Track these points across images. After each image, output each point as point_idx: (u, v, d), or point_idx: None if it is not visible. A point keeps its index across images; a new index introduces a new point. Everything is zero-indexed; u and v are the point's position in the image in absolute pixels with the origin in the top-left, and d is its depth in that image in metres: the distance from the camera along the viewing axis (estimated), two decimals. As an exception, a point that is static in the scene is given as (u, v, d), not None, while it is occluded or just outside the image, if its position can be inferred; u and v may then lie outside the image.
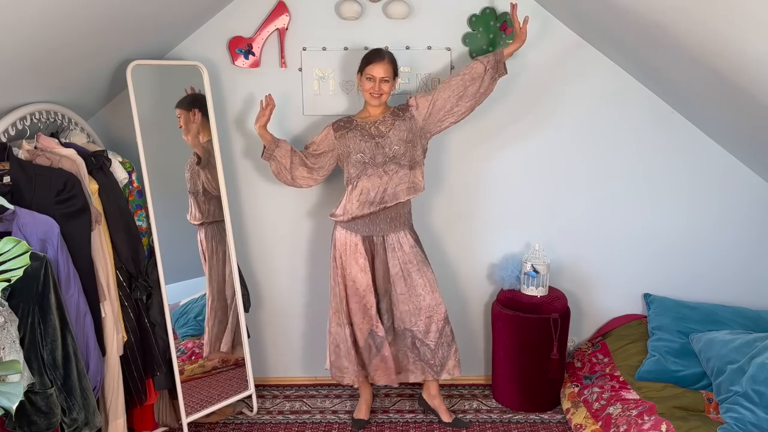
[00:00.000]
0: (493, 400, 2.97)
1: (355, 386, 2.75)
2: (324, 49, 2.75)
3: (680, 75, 2.42)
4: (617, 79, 2.77)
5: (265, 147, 2.56)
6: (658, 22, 2.06)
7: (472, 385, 3.12)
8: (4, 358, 1.61)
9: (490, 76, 2.45)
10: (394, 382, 2.68)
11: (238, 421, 2.83)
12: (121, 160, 2.45)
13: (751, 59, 1.83)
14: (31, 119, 2.16)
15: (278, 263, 3.02)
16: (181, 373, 2.61)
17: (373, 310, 2.60)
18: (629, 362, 2.73)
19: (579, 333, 3.08)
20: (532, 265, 2.77)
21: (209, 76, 2.63)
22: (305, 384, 3.14)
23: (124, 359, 2.35)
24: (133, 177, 2.47)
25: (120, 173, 2.41)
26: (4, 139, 2.03)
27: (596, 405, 2.58)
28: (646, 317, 2.95)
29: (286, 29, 2.72)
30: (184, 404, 2.60)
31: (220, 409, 2.77)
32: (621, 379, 2.65)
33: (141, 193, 2.49)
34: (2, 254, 1.50)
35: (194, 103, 2.63)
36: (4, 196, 1.72)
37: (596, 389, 2.66)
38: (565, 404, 2.77)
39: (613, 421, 2.41)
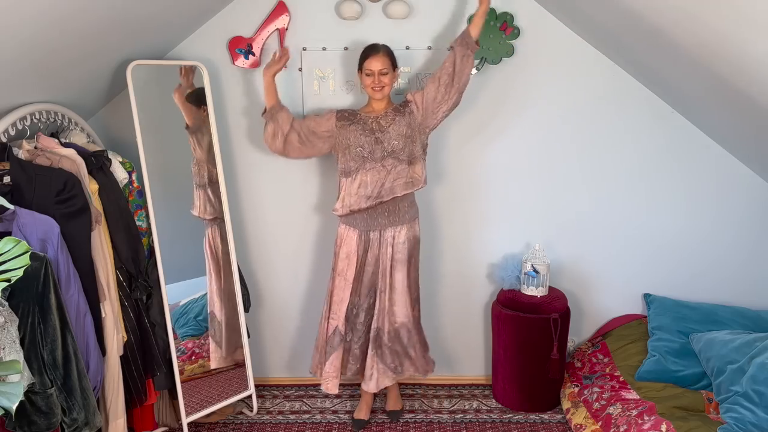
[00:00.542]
0: (493, 400, 2.97)
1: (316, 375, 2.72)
2: (324, 49, 2.75)
3: (680, 75, 2.42)
4: (617, 79, 2.77)
5: (267, 108, 2.54)
6: (657, 22, 2.06)
7: (472, 385, 3.12)
8: (4, 358, 1.61)
9: (461, 53, 2.43)
10: (335, 390, 2.66)
11: (238, 421, 2.83)
12: (121, 160, 2.45)
13: (752, 59, 1.83)
14: (31, 119, 2.16)
15: (278, 263, 3.02)
16: (181, 373, 2.61)
17: (344, 306, 2.60)
18: (629, 362, 2.73)
19: (579, 333, 3.08)
20: (532, 265, 2.77)
21: (209, 76, 2.63)
22: (305, 384, 3.14)
23: (124, 359, 2.35)
24: (133, 177, 2.47)
25: (120, 173, 2.41)
26: (4, 139, 2.03)
27: (596, 405, 2.58)
28: (646, 317, 2.95)
29: (286, 29, 2.72)
30: (184, 404, 2.60)
31: (220, 409, 2.77)
32: (621, 379, 2.65)
33: (141, 193, 2.49)
34: (2, 254, 1.50)
35: (201, 99, 2.64)
36: (4, 196, 1.72)
37: (596, 389, 2.66)
38: (565, 404, 2.77)
39: (613, 421, 2.41)
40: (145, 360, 2.47)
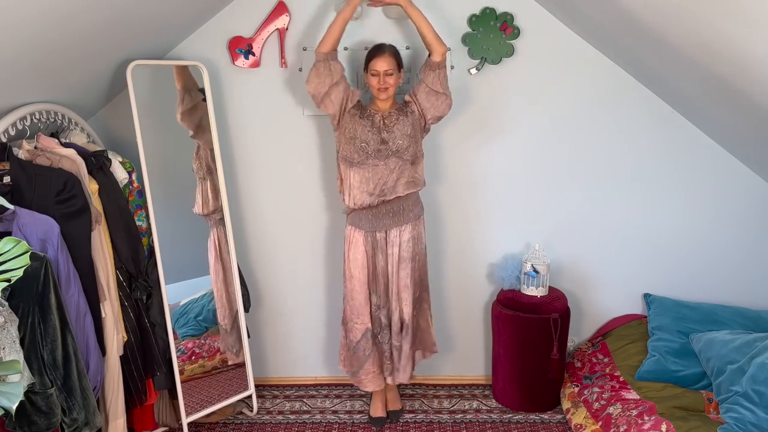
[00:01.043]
0: (493, 400, 2.97)
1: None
2: (324, 49, 2.75)
3: (680, 75, 2.42)
4: (617, 79, 2.77)
5: (326, 48, 2.42)
6: (657, 22, 2.06)
7: (472, 385, 3.12)
8: (4, 358, 1.61)
9: (430, 78, 2.47)
10: (380, 386, 2.72)
11: (238, 421, 2.83)
12: (121, 160, 2.45)
13: (754, 59, 1.83)
14: (31, 119, 2.16)
15: (278, 263, 3.02)
16: (181, 373, 2.61)
17: (366, 308, 2.62)
18: (629, 362, 2.73)
19: (579, 333, 3.08)
20: (532, 265, 2.77)
21: (209, 76, 2.63)
22: (305, 384, 3.14)
23: (124, 359, 2.35)
24: (133, 177, 2.47)
25: (120, 173, 2.41)
26: (4, 139, 2.03)
27: (596, 405, 2.58)
28: (646, 317, 2.95)
29: (286, 29, 2.72)
30: (184, 404, 2.60)
31: (220, 409, 2.77)
32: (621, 379, 2.65)
33: (141, 193, 2.49)
34: (2, 254, 1.50)
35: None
36: (4, 196, 1.71)
37: (596, 389, 2.66)
38: (565, 404, 2.77)
39: (613, 421, 2.41)
40: (145, 360, 2.47)
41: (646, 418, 2.31)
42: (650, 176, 2.88)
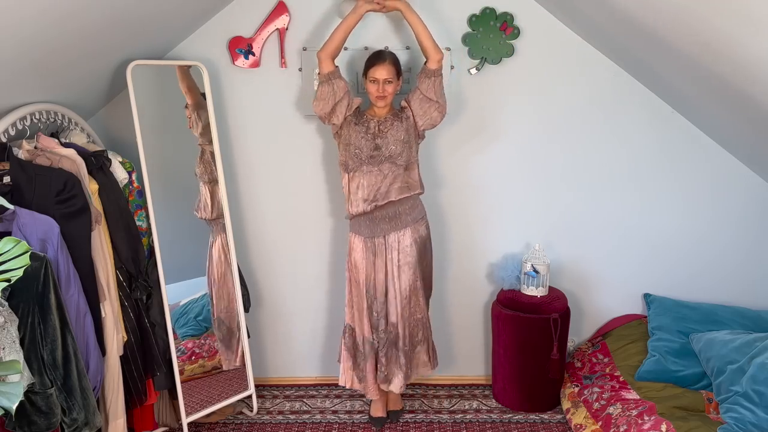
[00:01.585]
0: (493, 400, 2.97)
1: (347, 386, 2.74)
2: (324, 49, 2.75)
3: (680, 75, 2.42)
4: (617, 79, 2.77)
5: (326, 69, 2.46)
6: (657, 21, 2.06)
7: (472, 385, 3.12)
8: (4, 358, 1.61)
9: (425, 85, 2.48)
10: (375, 395, 2.71)
11: (238, 421, 2.83)
12: (121, 160, 2.45)
13: (756, 59, 1.83)
14: (31, 119, 2.16)
15: (278, 263, 3.01)
16: (181, 373, 2.61)
17: (366, 315, 2.62)
18: (629, 362, 2.73)
19: (579, 333, 3.08)
20: (532, 265, 2.77)
21: (209, 76, 2.63)
22: (305, 384, 3.14)
23: (124, 359, 2.35)
24: (133, 177, 2.47)
25: (120, 173, 2.41)
26: (4, 139, 2.03)
27: (596, 405, 2.58)
28: (646, 317, 2.95)
29: (286, 29, 2.72)
30: (184, 404, 2.60)
31: (220, 409, 2.77)
32: (621, 379, 2.65)
33: (141, 193, 2.49)
34: (2, 254, 1.50)
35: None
36: (4, 196, 1.71)
37: (596, 389, 2.66)
38: (565, 404, 2.77)
39: (613, 421, 2.41)
40: (145, 360, 2.47)
41: (646, 418, 2.31)
42: (650, 176, 2.88)
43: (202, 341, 2.80)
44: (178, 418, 2.64)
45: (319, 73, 2.49)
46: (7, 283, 1.51)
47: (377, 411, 2.79)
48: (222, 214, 2.72)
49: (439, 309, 3.03)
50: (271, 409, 2.94)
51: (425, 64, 2.48)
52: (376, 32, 2.72)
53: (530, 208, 2.93)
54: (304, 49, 2.74)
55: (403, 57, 2.69)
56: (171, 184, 2.68)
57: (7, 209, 1.82)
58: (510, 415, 2.84)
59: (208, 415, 2.74)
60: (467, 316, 3.08)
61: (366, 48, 2.72)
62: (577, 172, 2.89)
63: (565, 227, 2.95)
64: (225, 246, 2.76)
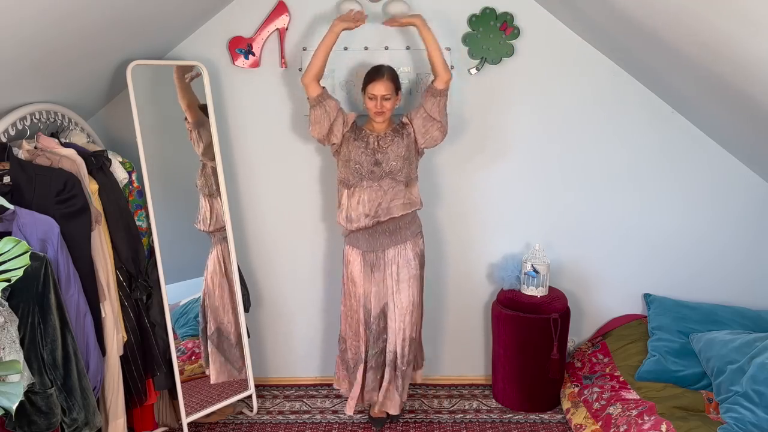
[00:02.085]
0: (493, 400, 2.97)
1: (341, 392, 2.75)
2: (324, 49, 2.75)
3: (679, 75, 2.42)
4: (617, 79, 2.77)
5: (313, 93, 2.45)
6: (657, 22, 2.06)
7: (472, 385, 3.12)
8: (4, 358, 1.61)
9: (429, 104, 2.48)
10: (352, 409, 2.70)
11: (238, 421, 2.83)
12: (121, 160, 2.45)
13: (757, 59, 1.83)
14: (31, 119, 2.16)
15: (278, 263, 3.01)
16: (181, 373, 2.61)
17: (362, 331, 2.63)
18: (629, 362, 2.73)
19: (579, 333, 3.08)
20: (532, 265, 2.77)
21: (209, 76, 2.63)
22: (305, 384, 3.14)
23: (124, 359, 2.35)
24: (133, 177, 2.47)
25: (120, 173, 2.41)
26: (4, 139, 2.03)
27: (596, 405, 2.58)
28: (646, 317, 2.95)
29: (286, 29, 2.72)
30: (184, 404, 2.60)
31: (220, 409, 2.77)
32: (621, 379, 2.65)
33: (141, 193, 2.49)
34: (2, 254, 1.50)
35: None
36: (4, 196, 1.71)
37: (596, 389, 2.66)
38: (565, 404, 2.77)
39: (613, 421, 2.41)
40: (145, 360, 2.47)
41: (646, 418, 2.31)
42: (650, 176, 2.88)
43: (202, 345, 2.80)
44: (178, 418, 2.64)
45: (308, 98, 2.50)
46: (7, 283, 1.51)
47: (376, 411, 2.80)
48: (221, 227, 2.72)
49: (439, 309, 3.04)
50: (271, 409, 2.94)
51: (432, 83, 2.48)
52: (376, 32, 2.72)
53: (530, 208, 2.93)
54: (304, 49, 2.74)
55: (403, 57, 2.69)
56: (171, 184, 2.68)
57: (7, 209, 1.82)
58: (510, 415, 2.84)
59: (208, 415, 2.74)
60: (467, 316, 3.08)
61: (366, 48, 2.72)
62: (577, 172, 2.89)
63: (565, 227, 2.95)
64: (223, 256, 2.75)
